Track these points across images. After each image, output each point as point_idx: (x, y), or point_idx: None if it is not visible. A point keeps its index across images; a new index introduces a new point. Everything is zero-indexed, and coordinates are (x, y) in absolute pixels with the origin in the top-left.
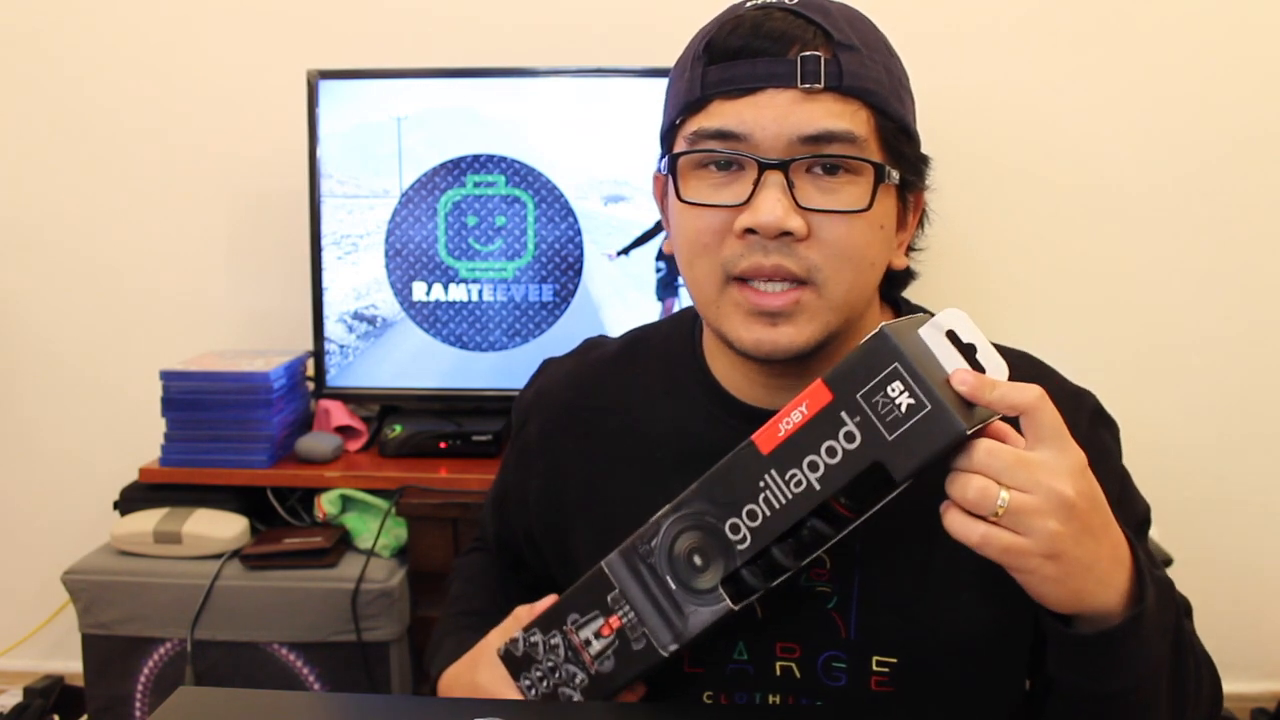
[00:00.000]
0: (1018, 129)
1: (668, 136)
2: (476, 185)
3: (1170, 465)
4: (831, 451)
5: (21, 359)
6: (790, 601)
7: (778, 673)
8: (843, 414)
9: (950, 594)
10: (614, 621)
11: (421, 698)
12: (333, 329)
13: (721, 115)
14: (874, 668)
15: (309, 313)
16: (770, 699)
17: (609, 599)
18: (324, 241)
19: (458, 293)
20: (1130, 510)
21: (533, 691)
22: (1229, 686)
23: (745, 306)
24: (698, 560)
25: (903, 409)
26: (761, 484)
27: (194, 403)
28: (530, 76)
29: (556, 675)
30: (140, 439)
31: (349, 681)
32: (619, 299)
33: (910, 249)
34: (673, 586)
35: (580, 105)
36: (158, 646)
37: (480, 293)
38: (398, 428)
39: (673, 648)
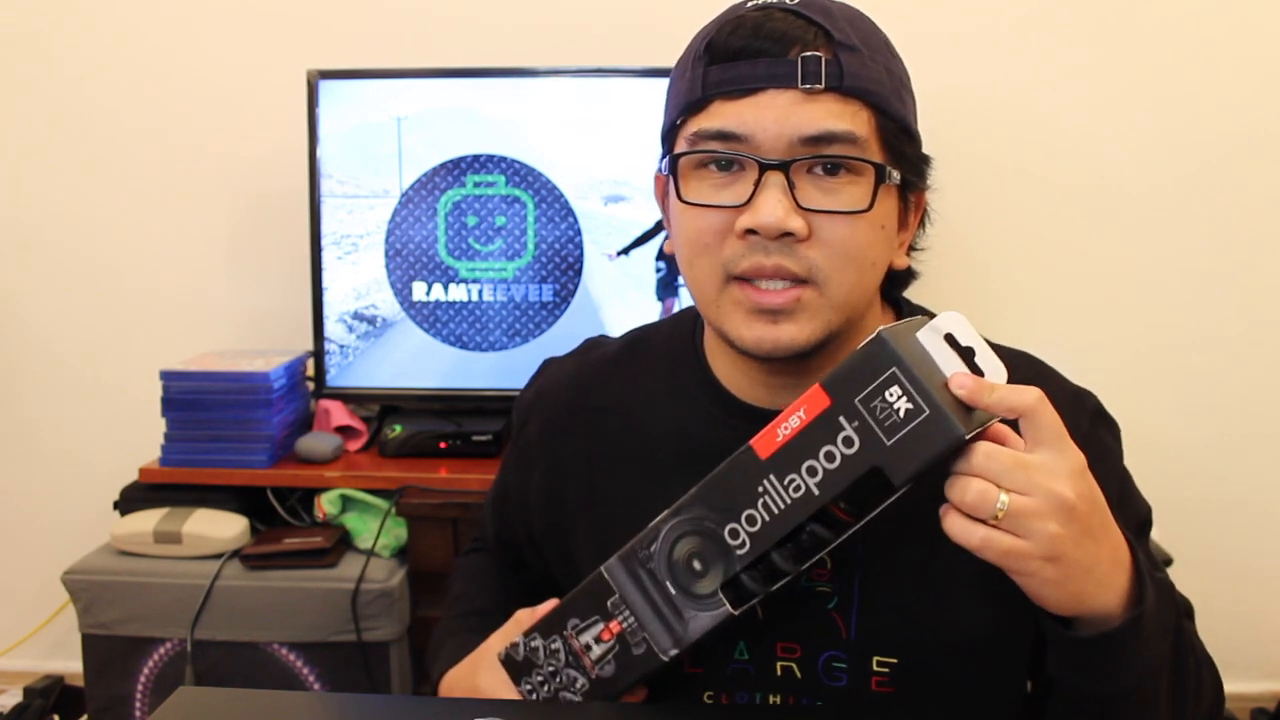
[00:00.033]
0: (1018, 129)
1: (668, 137)
2: (476, 185)
3: (1170, 465)
4: (830, 456)
5: (21, 359)
6: (791, 602)
7: (778, 673)
8: (841, 419)
9: (950, 594)
10: (614, 626)
11: (421, 698)
12: (333, 329)
13: (722, 116)
14: (874, 668)
15: (309, 313)
16: (771, 699)
17: (609, 604)
18: (324, 241)
19: (458, 293)
20: (1131, 511)
21: (534, 696)
22: (1229, 686)
23: (746, 304)
24: (697, 565)
25: (901, 414)
26: (760, 489)
27: (194, 403)
28: (530, 76)
29: (557, 680)
30: (140, 439)
31: (349, 681)
32: (619, 299)
33: (911, 249)
34: (672, 592)
35: (580, 105)
36: (158, 646)
37: (480, 293)
38: (398, 428)
39: (673, 652)
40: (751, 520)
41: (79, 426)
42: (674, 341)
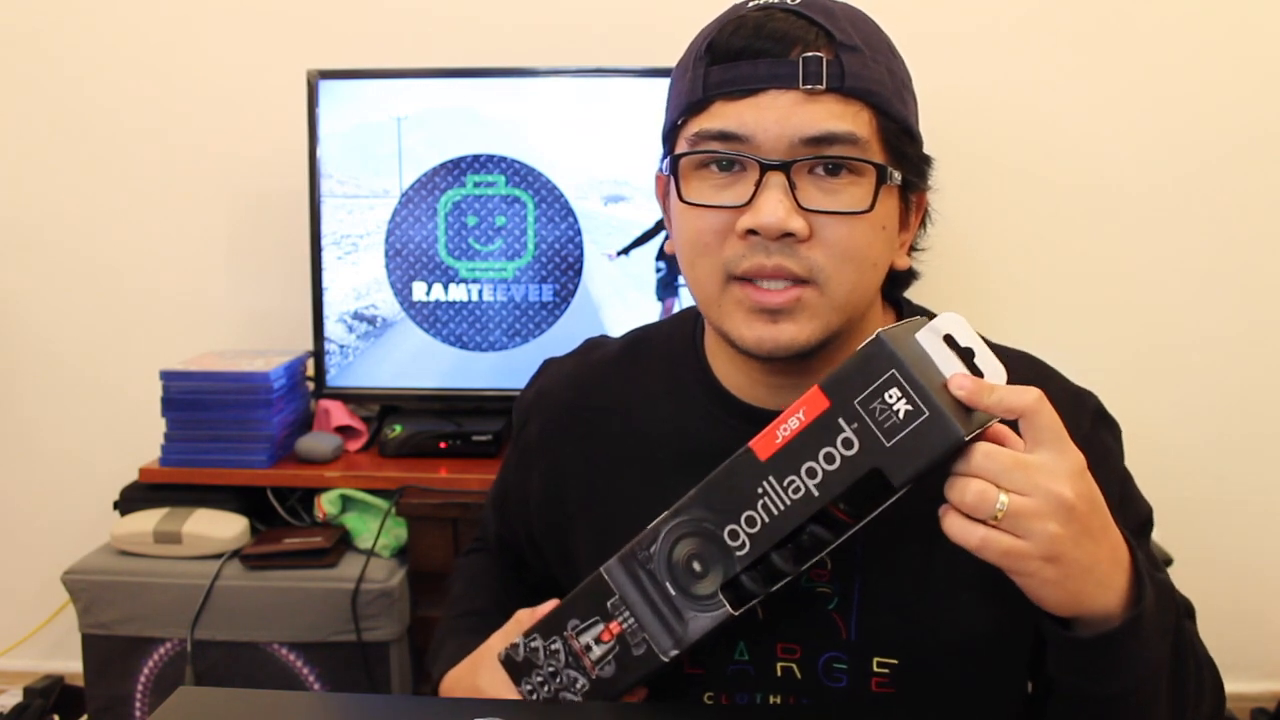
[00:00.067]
0: (1018, 129)
1: (669, 137)
2: (476, 185)
3: (1170, 465)
4: (829, 458)
5: (21, 359)
6: (791, 602)
7: (778, 673)
8: (840, 420)
9: (951, 595)
10: (614, 627)
11: (421, 698)
12: (333, 329)
13: (723, 116)
14: (874, 669)
15: (309, 313)
16: (771, 699)
17: (609, 605)
18: (324, 241)
19: (458, 293)
20: (1132, 512)
21: (534, 696)
22: (1229, 686)
23: (747, 304)
24: (697, 566)
25: (900, 415)
26: (760, 490)
27: (194, 403)
28: (530, 76)
29: (557, 680)
30: (140, 439)
31: (349, 681)
32: (619, 299)
33: (912, 249)
34: (672, 592)
35: (580, 105)
36: (158, 646)
37: (480, 293)
38: (398, 428)
39: (673, 653)
40: (751, 521)
41: (79, 426)
42: (674, 342)
